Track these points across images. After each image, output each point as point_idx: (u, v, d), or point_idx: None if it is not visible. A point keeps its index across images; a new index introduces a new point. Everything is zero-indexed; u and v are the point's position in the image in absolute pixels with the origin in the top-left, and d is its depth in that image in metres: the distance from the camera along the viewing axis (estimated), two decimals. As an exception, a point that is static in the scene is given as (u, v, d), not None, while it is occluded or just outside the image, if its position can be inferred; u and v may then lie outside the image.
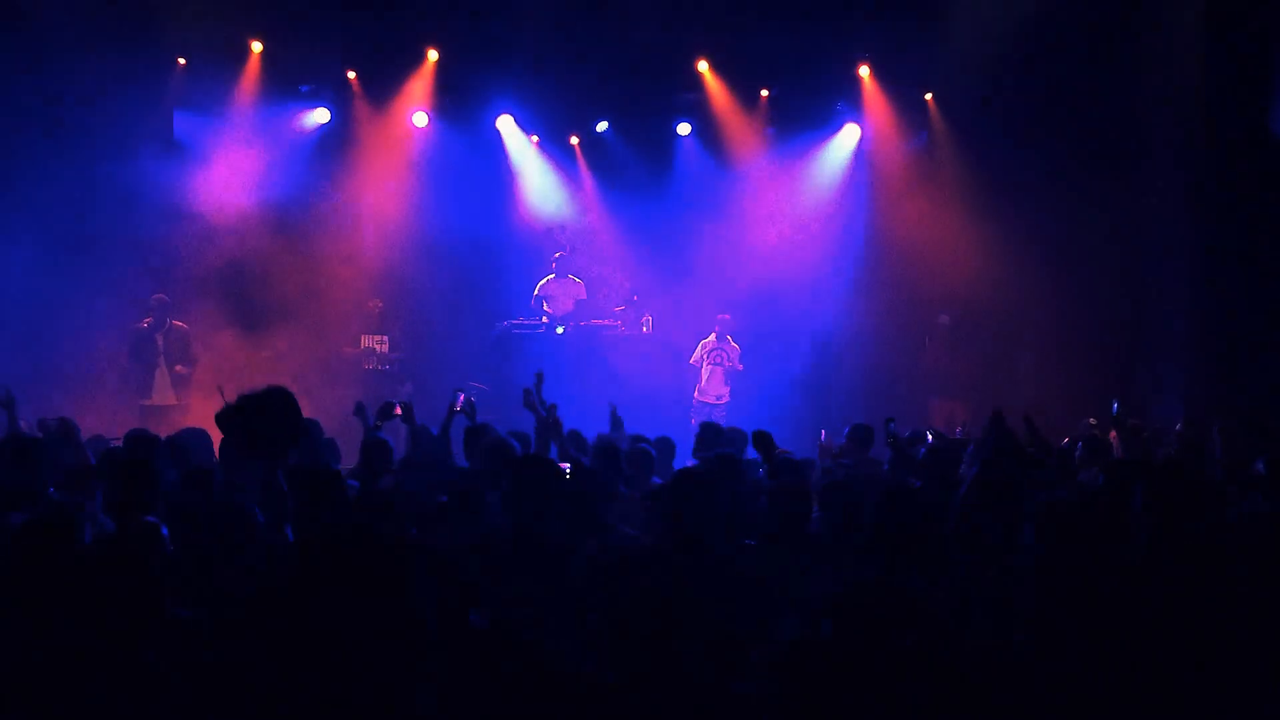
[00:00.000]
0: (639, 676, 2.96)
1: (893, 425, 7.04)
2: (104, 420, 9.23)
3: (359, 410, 6.84)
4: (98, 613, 3.02)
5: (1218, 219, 10.34)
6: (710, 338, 12.27)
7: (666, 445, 6.77)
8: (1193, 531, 3.72)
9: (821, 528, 4.65)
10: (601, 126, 13.45)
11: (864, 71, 12.84)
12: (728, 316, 12.32)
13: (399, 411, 6.89)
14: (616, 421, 7.49)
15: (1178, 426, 7.10)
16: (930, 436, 7.09)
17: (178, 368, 10.81)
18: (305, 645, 2.76)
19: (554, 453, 6.04)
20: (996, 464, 3.95)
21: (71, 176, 11.05)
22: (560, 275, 12.83)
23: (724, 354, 12.18)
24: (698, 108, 13.22)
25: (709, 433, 6.97)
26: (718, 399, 12.11)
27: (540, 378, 6.55)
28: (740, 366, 12.19)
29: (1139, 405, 9.92)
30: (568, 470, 5.25)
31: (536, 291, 12.77)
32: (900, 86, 12.81)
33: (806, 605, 3.50)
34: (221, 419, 4.20)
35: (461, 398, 7.00)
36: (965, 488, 3.87)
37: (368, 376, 11.90)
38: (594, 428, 7.14)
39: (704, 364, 12.26)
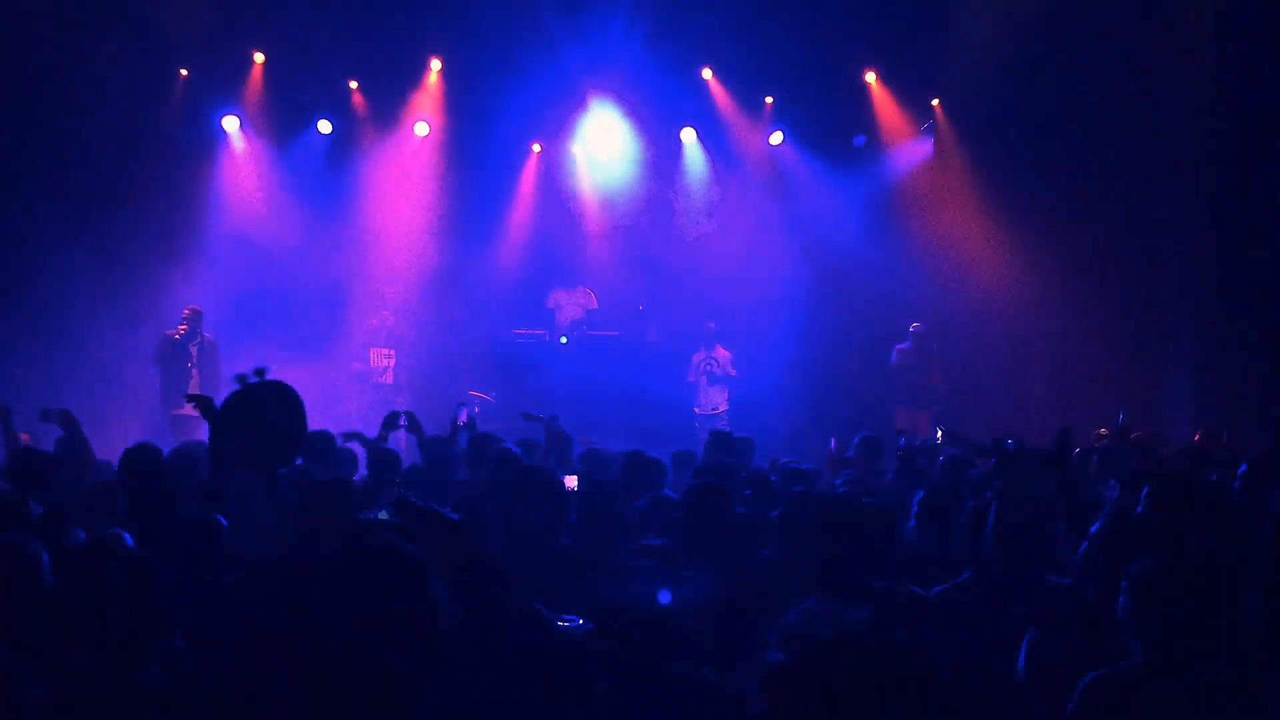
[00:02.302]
0: (637, 685, 2.90)
1: (902, 439, 6.97)
2: (134, 430, 9.09)
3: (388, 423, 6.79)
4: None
5: (1231, 226, 10.20)
6: (700, 351, 12.10)
7: (686, 457, 6.66)
8: (1206, 538, 3.62)
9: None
10: (603, 133, 13.35)
11: (871, 77, 12.77)
12: (713, 325, 12.17)
13: (404, 422, 6.85)
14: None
15: (1196, 436, 7.01)
16: (941, 434, 6.99)
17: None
18: (309, 649, 2.70)
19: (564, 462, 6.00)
20: (1018, 500, 3.74)
21: (73, 186, 11.03)
22: (572, 285, 12.77)
23: (714, 363, 11.99)
24: (703, 115, 13.14)
25: (718, 442, 6.89)
26: (714, 409, 11.90)
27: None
28: (733, 372, 11.98)
29: (1153, 416, 9.81)
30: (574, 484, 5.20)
31: (548, 301, 12.71)
32: (908, 92, 12.73)
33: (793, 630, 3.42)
34: (223, 414, 4.00)
35: (464, 412, 6.96)
36: (990, 526, 3.70)
37: (376, 391, 11.82)
38: (592, 436, 7.08)
39: (698, 377, 12.08)
